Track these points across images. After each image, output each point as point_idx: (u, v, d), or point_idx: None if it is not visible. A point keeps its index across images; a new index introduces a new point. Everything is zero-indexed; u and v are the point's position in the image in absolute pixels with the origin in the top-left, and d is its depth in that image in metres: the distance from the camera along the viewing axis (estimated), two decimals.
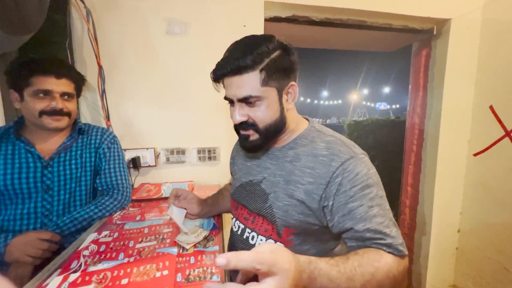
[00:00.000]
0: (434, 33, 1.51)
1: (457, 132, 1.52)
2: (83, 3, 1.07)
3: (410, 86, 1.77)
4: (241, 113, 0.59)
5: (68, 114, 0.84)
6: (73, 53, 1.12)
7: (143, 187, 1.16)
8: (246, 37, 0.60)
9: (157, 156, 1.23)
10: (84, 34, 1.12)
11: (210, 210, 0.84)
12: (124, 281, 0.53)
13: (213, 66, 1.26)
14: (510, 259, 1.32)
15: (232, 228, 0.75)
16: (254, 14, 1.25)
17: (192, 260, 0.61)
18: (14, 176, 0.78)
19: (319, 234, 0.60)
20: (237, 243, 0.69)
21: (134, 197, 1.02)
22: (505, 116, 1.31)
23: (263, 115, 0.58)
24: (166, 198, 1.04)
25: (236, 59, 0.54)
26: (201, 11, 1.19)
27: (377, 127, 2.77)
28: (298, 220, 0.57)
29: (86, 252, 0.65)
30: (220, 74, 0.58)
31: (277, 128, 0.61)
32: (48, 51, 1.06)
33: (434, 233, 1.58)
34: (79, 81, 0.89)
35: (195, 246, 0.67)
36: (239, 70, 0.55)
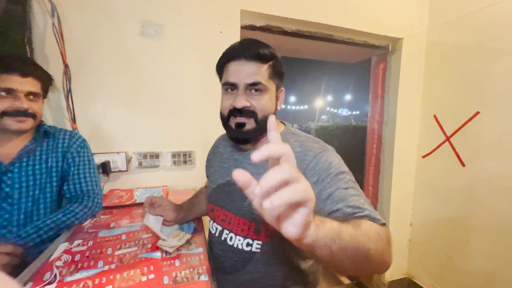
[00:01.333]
0: (390, 49, 1.71)
1: (409, 136, 1.73)
2: None
3: (370, 95, 1.96)
4: (245, 99, 0.60)
5: (33, 115, 0.78)
6: (33, 50, 1.03)
7: (113, 193, 1.10)
8: (254, 38, 0.63)
9: (128, 161, 1.18)
10: (47, 30, 1.04)
11: (187, 215, 0.84)
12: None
13: (189, 70, 1.27)
14: (451, 247, 1.53)
15: (210, 231, 0.75)
16: (230, 21, 1.28)
17: (177, 263, 0.62)
18: None
19: None
20: (216, 245, 0.70)
21: (104, 204, 0.97)
22: (446, 124, 1.54)
23: (264, 105, 0.61)
24: (139, 204, 1.01)
25: (255, 48, 0.59)
26: (177, 14, 1.19)
27: (341, 132, 2.99)
28: None
29: (59, 263, 0.61)
30: (234, 55, 0.60)
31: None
32: (3, 46, 0.97)
33: (391, 227, 1.76)
34: (46, 81, 0.83)
35: (178, 249, 0.68)
36: (256, 57, 0.59)
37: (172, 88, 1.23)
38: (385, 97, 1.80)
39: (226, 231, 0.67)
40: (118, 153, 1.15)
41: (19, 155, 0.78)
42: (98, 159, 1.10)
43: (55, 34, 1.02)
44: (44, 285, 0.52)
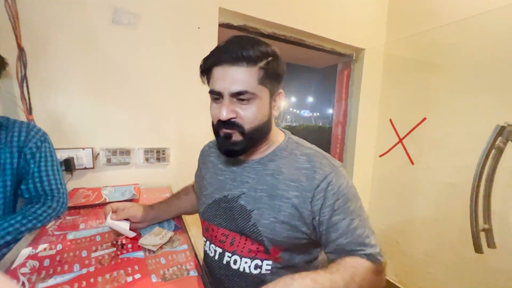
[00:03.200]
0: (354, 58, 1.87)
1: (368, 138, 1.92)
2: None
3: (335, 99, 2.12)
4: (230, 109, 0.53)
5: None
6: None
7: (77, 192, 1.01)
8: (244, 35, 0.56)
9: (95, 157, 1.09)
10: None
11: (159, 214, 0.78)
12: None
13: (164, 63, 1.22)
14: (399, 233, 1.76)
15: (206, 253, 0.67)
16: (208, 17, 1.27)
17: (163, 260, 0.60)
18: None
19: (306, 247, 0.60)
20: (217, 270, 0.62)
21: (70, 204, 0.88)
22: (399, 127, 1.75)
23: (253, 115, 0.54)
24: (110, 203, 0.95)
25: (239, 49, 0.50)
26: (154, 4, 1.14)
27: (307, 132, 3.17)
28: (286, 236, 0.56)
29: (24, 270, 0.55)
30: (216, 60, 0.52)
31: (262, 133, 0.58)
32: None
33: None
34: None
35: (161, 247, 0.66)
36: (240, 60, 0.50)
37: (145, 82, 1.17)
38: (348, 101, 1.97)
39: (228, 254, 0.60)
40: (83, 148, 1.05)
41: None
42: (60, 155, 0.99)
43: (7, 12, 0.89)
44: None
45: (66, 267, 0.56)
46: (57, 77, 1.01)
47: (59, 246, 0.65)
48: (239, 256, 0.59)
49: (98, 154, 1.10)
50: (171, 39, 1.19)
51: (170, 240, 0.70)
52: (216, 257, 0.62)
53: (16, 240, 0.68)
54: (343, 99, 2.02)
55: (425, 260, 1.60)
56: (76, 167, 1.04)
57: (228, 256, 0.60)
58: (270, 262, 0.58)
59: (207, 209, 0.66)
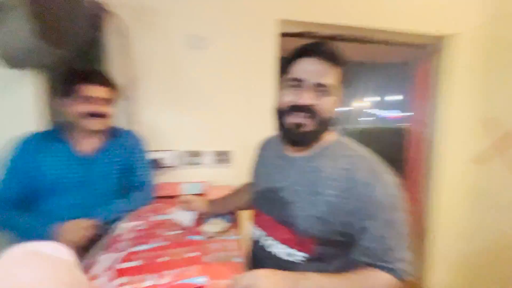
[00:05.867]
0: (437, 48, 1.59)
1: (458, 141, 1.60)
2: (120, 21, 1.21)
3: (415, 97, 1.85)
4: (310, 97, 0.58)
5: (106, 116, 0.96)
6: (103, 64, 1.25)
7: (162, 186, 1.25)
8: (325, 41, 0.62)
9: (175, 158, 1.35)
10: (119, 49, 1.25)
11: (219, 209, 0.90)
12: (164, 259, 0.64)
13: (231, 76, 1.37)
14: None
15: (251, 233, 0.75)
16: (268, 29, 1.36)
17: (216, 245, 0.72)
18: (61, 172, 0.90)
19: (337, 244, 0.60)
20: (255, 249, 0.71)
21: (156, 195, 1.13)
22: (499, 128, 1.38)
23: (328, 105, 0.59)
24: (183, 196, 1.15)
25: (332, 50, 0.58)
26: (220, 28, 1.32)
27: (380, 134, 2.84)
28: (320, 230, 0.58)
29: (125, 237, 0.75)
30: (311, 50, 0.59)
31: (327, 126, 0.63)
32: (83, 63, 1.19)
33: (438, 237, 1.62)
34: (116, 89, 1.01)
35: (217, 235, 0.77)
36: (330, 58, 0.58)
37: (216, 94, 1.36)
38: (431, 99, 1.68)
39: (266, 238, 0.67)
40: (167, 151, 1.32)
41: (98, 151, 0.97)
42: (151, 156, 1.26)
43: (123, 53, 1.22)
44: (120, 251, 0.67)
45: (148, 240, 0.74)
46: (150, 95, 1.31)
47: (146, 225, 0.85)
48: (275, 241, 0.64)
49: (178, 155, 1.35)
50: (237, 53, 1.35)
51: (226, 230, 0.81)
52: (257, 239, 0.70)
53: (121, 218, 0.93)
54: (424, 96, 1.74)
55: None
56: (162, 166, 1.31)
57: (265, 240, 0.67)
58: (301, 254, 0.61)
59: (256, 197, 0.75)
